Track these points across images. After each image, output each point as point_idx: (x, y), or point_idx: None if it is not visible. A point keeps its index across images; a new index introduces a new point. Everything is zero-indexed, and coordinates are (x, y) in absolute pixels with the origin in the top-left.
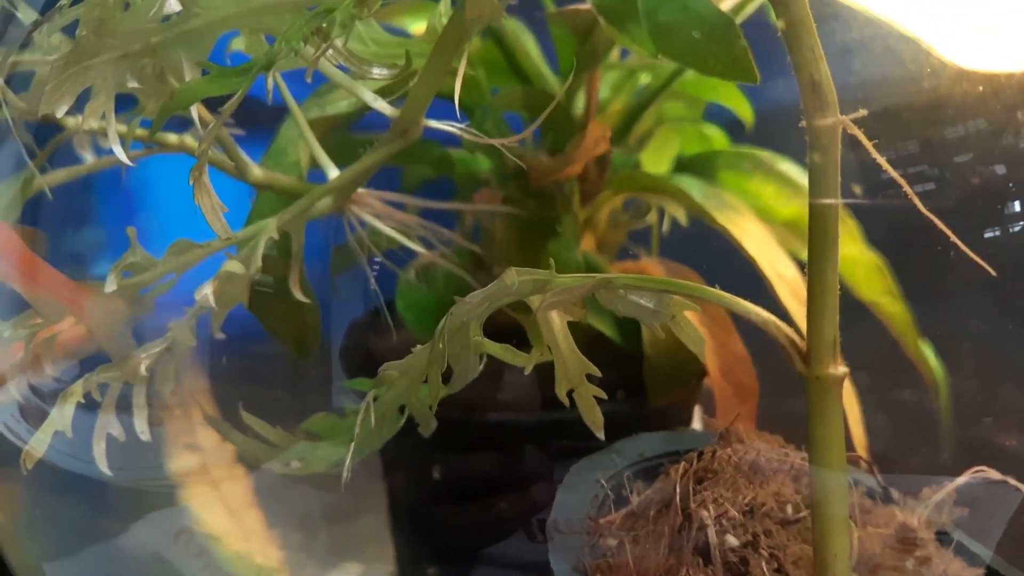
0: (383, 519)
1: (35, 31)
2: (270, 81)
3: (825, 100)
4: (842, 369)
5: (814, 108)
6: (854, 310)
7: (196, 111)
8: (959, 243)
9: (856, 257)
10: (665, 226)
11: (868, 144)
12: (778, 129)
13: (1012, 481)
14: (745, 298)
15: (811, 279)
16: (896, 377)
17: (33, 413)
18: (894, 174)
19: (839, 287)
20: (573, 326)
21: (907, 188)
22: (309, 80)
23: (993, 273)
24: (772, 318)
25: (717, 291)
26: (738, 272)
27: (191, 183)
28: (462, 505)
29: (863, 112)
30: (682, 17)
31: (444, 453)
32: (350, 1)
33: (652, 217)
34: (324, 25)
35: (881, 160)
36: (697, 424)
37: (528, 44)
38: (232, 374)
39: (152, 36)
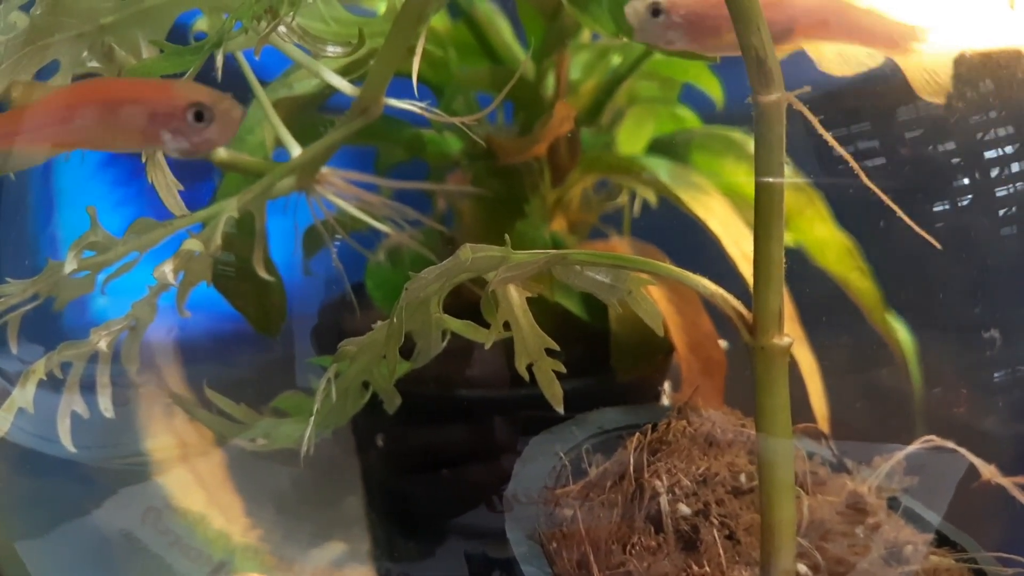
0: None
1: None
2: (220, 59)
3: (769, 76)
4: (787, 339)
5: (759, 84)
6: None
7: None
8: (907, 219)
9: (826, 239)
10: (636, 207)
11: (814, 120)
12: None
13: (960, 449)
14: (714, 276)
15: (757, 252)
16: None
17: None
18: (841, 151)
19: (785, 261)
20: (540, 303)
21: (855, 166)
22: (257, 57)
23: (938, 247)
24: (719, 291)
25: (668, 266)
26: (708, 250)
27: (144, 160)
28: (432, 477)
29: (807, 88)
30: None
31: (416, 428)
32: None
33: (623, 199)
34: (274, 4)
35: (828, 137)
36: (665, 399)
37: (500, 25)
38: (201, 354)
39: (108, 15)
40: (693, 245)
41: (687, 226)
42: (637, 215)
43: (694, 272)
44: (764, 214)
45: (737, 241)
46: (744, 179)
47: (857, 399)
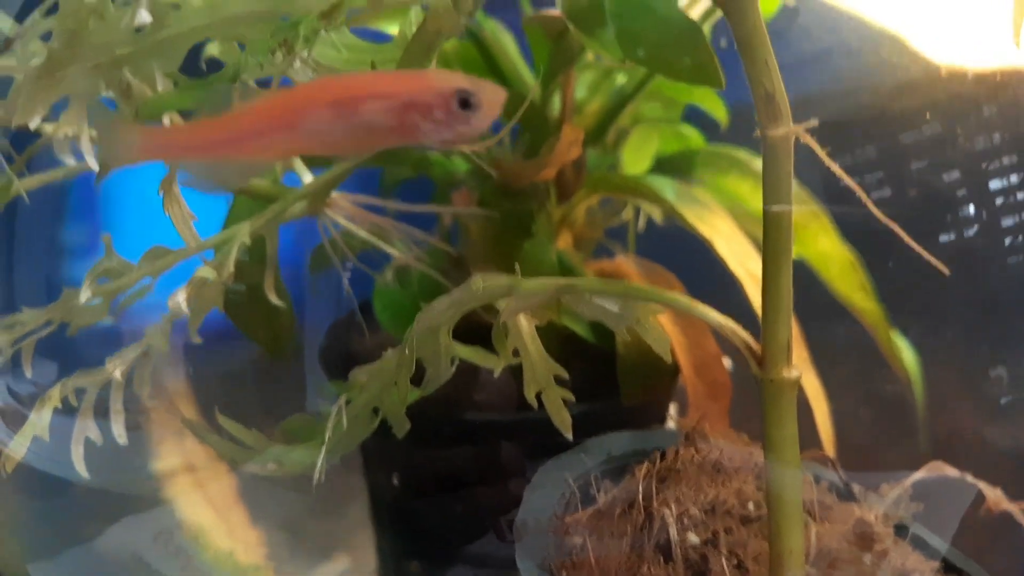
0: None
1: (8, 48)
2: (235, 94)
3: (778, 111)
4: (795, 372)
5: (767, 119)
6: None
7: (168, 118)
8: (915, 245)
9: (830, 253)
10: (641, 223)
11: (822, 153)
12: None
13: (967, 476)
14: (718, 290)
15: (766, 286)
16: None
17: (12, 417)
18: (850, 181)
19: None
20: (546, 325)
21: (863, 196)
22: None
23: (946, 272)
24: (728, 322)
25: (677, 296)
26: (713, 265)
27: (160, 193)
28: (441, 502)
29: (815, 122)
30: (648, 22)
31: (423, 451)
32: (314, 16)
33: (628, 214)
34: (289, 38)
35: (836, 168)
36: (671, 422)
37: (507, 45)
38: (210, 374)
39: (124, 47)
40: (697, 260)
41: (691, 240)
42: (642, 230)
43: (699, 285)
44: (772, 247)
45: (742, 260)
46: (748, 192)
47: (863, 419)
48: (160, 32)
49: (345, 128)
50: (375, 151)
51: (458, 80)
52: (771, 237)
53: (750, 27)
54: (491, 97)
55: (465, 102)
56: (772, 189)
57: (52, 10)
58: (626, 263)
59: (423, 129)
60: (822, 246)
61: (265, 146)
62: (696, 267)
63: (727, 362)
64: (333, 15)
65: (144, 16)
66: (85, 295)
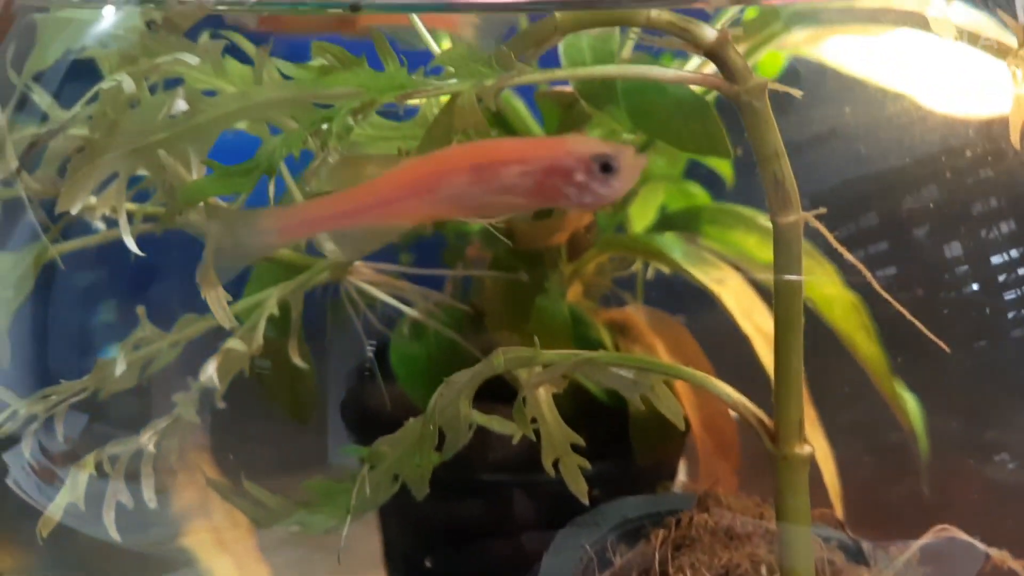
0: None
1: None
2: (271, 187)
3: (788, 197)
4: (808, 449)
5: (778, 205)
6: None
7: None
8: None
9: (834, 295)
10: (650, 272)
11: (831, 237)
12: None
13: (975, 541)
14: (724, 335)
15: (777, 366)
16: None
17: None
18: (857, 263)
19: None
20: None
21: (867, 275)
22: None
23: (947, 350)
24: (742, 399)
25: (692, 371)
26: (718, 314)
27: (199, 281)
28: (458, 560)
29: (823, 210)
30: (658, 99)
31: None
32: (345, 112)
33: (637, 267)
34: (321, 131)
35: (843, 251)
36: (682, 475)
37: (518, 106)
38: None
39: (160, 132)
40: (704, 308)
41: (694, 288)
42: (651, 278)
43: (705, 330)
44: (783, 327)
45: (750, 315)
46: (753, 245)
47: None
48: (194, 118)
49: (484, 192)
50: (511, 214)
51: (598, 146)
52: (781, 318)
53: (760, 114)
54: (630, 161)
55: (606, 166)
56: (782, 272)
57: (90, 100)
58: (635, 313)
59: (564, 193)
60: (826, 291)
61: (403, 211)
62: (702, 312)
63: (733, 414)
64: (365, 112)
65: (181, 104)
66: (120, 367)
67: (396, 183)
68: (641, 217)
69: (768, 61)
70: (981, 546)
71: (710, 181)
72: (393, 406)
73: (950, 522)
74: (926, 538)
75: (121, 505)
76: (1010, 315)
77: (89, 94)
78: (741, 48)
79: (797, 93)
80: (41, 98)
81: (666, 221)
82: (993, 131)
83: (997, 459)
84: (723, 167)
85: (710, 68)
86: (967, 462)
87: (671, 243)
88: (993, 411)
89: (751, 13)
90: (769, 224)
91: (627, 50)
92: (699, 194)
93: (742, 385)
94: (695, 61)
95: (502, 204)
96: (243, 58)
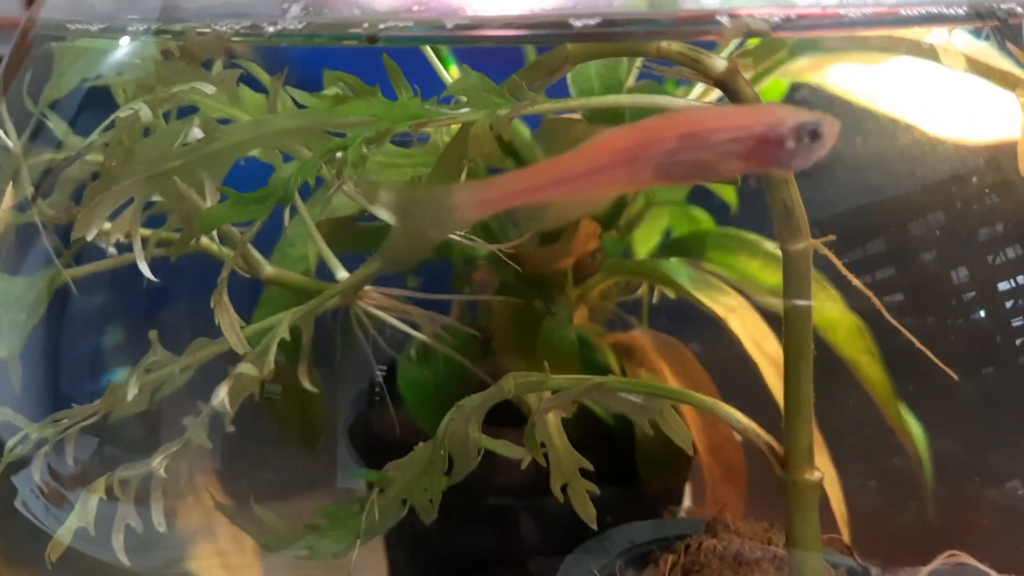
0: None
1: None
2: (286, 215)
3: (797, 225)
4: (818, 475)
5: (787, 233)
6: None
7: None
8: (923, 349)
9: (837, 318)
10: (655, 297)
11: (840, 265)
12: None
13: (985, 568)
14: (728, 357)
15: (787, 392)
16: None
17: (52, 495)
18: (866, 291)
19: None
20: None
21: (875, 301)
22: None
23: (955, 377)
24: (751, 424)
25: (702, 397)
26: (722, 333)
27: (213, 306)
28: None
29: (832, 237)
30: None
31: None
32: (360, 142)
33: (643, 291)
34: (338, 156)
35: (854, 279)
36: (688, 499)
37: (523, 132)
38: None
39: (175, 160)
40: (708, 332)
41: (702, 314)
42: (656, 302)
43: (710, 352)
44: (793, 353)
45: (756, 339)
46: (757, 269)
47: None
48: (209, 145)
49: (692, 160)
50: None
51: (803, 114)
52: (791, 345)
53: None
54: (831, 128)
55: (815, 133)
56: (791, 298)
57: (107, 128)
58: (641, 337)
59: (776, 159)
60: (829, 314)
61: (605, 180)
62: (708, 334)
63: (739, 437)
64: (380, 142)
65: (196, 132)
66: (132, 392)
67: (601, 153)
68: (645, 242)
69: (772, 89)
70: (991, 573)
71: (715, 206)
72: (401, 430)
73: (959, 548)
74: (935, 564)
75: (127, 528)
76: (1018, 342)
77: (106, 122)
78: (747, 75)
79: None
80: (57, 125)
81: (670, 246)
82: (1000, 158)
83: (1008, 485)
84: (727, 192)
85: (714, 94)
86: (977, 488)
87: (677, 268)
88: (1002, 437)
89: (754, 41)
90: (773, 249)
91: (632, 77)
92: (703, 219)
93: (746, 410)
94: (699, 87)
95: (709, 171)
96: (258, 87)
